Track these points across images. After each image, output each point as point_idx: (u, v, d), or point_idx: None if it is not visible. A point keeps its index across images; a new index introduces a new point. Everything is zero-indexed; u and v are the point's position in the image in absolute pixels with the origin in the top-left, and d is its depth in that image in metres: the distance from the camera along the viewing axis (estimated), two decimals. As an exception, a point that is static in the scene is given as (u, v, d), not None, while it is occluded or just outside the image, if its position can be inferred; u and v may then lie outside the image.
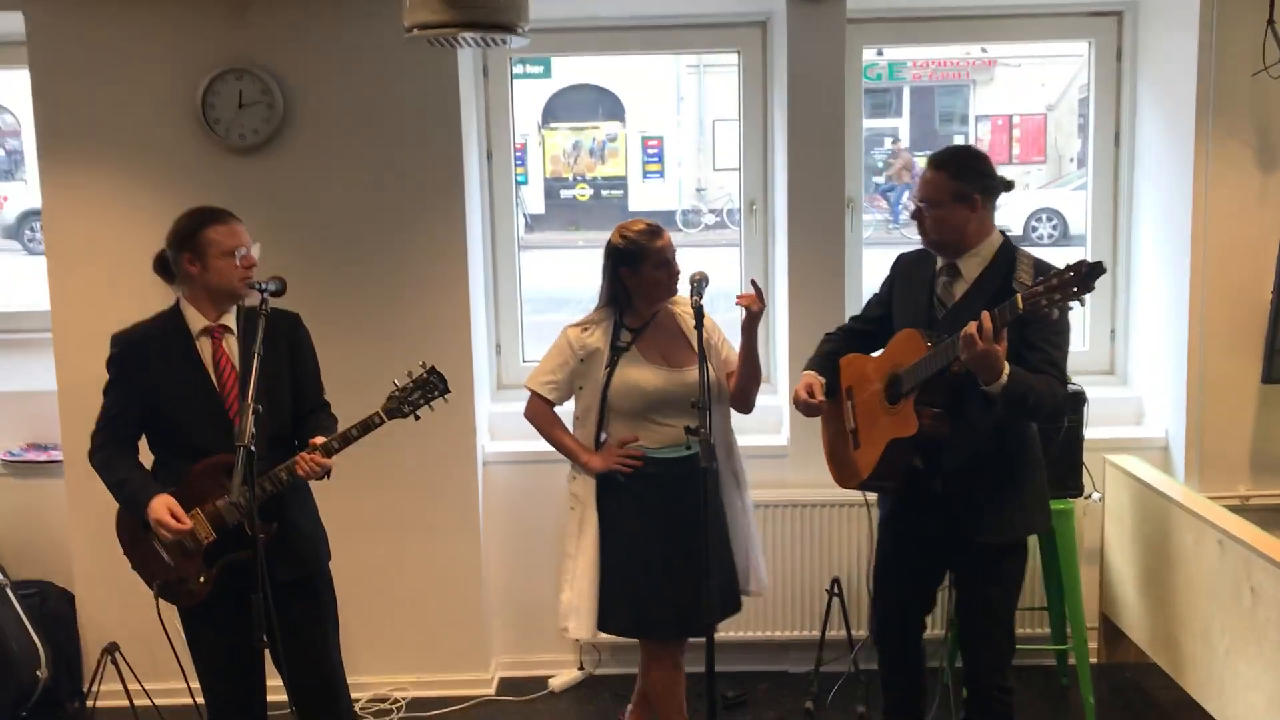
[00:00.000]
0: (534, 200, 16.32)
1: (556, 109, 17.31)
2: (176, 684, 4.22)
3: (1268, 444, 4.18)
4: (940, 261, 3.18)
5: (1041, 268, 2.95)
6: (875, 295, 3.46)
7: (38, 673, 4.03)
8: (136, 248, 4.16)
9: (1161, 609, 3.83)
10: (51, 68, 4.09)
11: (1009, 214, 14.34)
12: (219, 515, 2.96)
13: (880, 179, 14.28)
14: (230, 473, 2.90)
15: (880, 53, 14.34)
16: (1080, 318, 4.70)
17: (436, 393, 3.05)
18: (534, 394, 3.50)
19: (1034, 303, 2.69)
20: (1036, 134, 18.64)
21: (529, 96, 15.58)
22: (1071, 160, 17.66)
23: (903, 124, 18.14)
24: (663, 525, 3.38)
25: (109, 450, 3.06)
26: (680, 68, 17.32)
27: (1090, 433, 3.95)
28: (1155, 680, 4.09)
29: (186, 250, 3.01)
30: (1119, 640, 4.30)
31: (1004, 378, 2.81)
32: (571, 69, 16.26)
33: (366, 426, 3.00)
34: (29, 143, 13.67)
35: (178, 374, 2.99)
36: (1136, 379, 4.56)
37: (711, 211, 15.37)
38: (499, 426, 4.48)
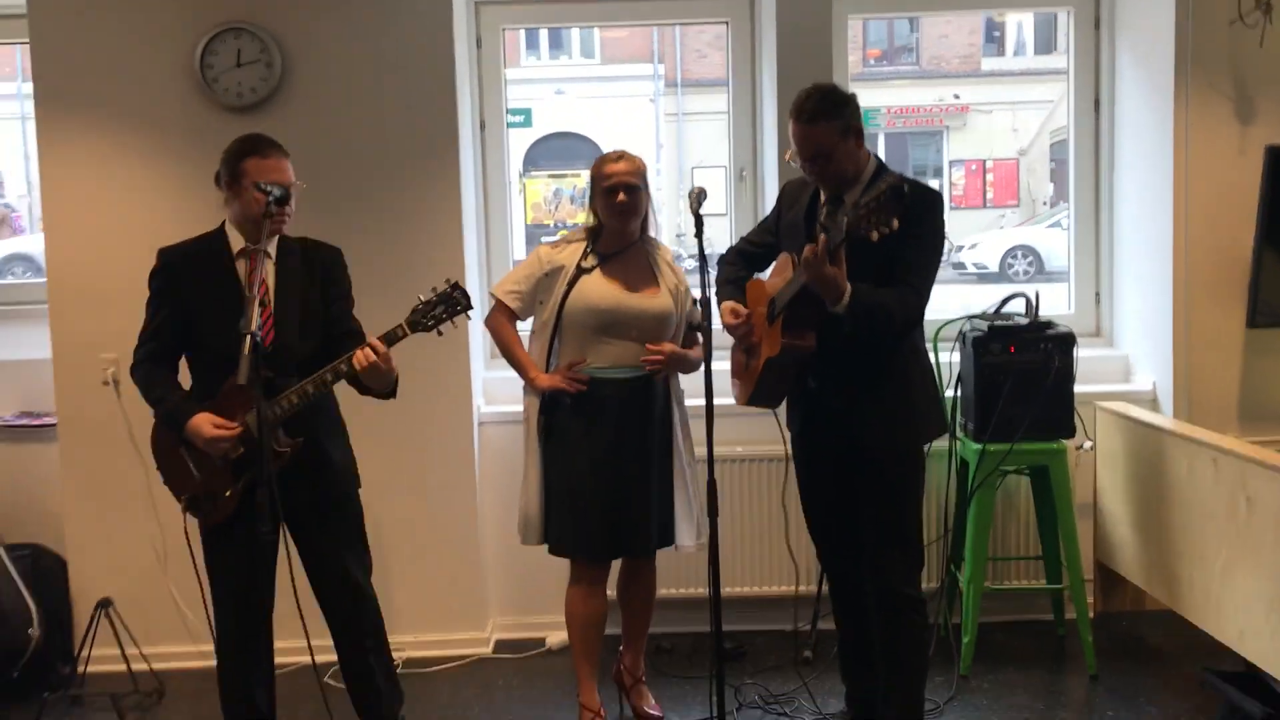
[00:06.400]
0: (516, 246, 16.34)
1: (537, 157, 17.44)
2: (173, 647, 4.21)
3: (1255, 390, 4.24)
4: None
5: (891, 193, 2.77)
6: (764, 220, 3.55)
7: (30, 631, 3.97)
8: (133, 208, 4.21)
9: (1156, 541, 3.85)
10: (50, 33, 4.13)
11: (985, 251, 14.51)
12: (247, 430, 2.96)
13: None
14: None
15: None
16: (1066, 283, 4.80)
17: (460, 308, 3.03)
18: (498, 301, 3.55)
19: (856, 226, 2.74)
20: (1010, 178, 18.97)
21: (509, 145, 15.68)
22: (1044, 203, 17.93)
23: (878, 169, 18.36)
24: (603, 445, 3.42)
25: (149, 365, 3.10)
26: (660, 116, 17.58)
27: (1079, 388, 3.99)
28: (1153, 628, 4.13)
29: (226, 175, 3.08)
30: (1115, 589, 4.32)
31: (846, 298, 2.89)
32: (551, 117, 16.41)
33: (390, 339, 3.00)
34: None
35: (213, 291, 3.04)
36: (1123, 339, 4.62)
37: (691, 257, 15.46)
38: (493, 392, 4.50)
